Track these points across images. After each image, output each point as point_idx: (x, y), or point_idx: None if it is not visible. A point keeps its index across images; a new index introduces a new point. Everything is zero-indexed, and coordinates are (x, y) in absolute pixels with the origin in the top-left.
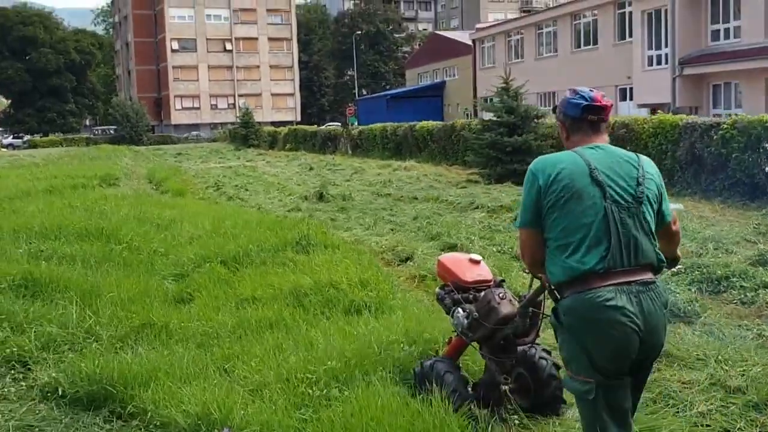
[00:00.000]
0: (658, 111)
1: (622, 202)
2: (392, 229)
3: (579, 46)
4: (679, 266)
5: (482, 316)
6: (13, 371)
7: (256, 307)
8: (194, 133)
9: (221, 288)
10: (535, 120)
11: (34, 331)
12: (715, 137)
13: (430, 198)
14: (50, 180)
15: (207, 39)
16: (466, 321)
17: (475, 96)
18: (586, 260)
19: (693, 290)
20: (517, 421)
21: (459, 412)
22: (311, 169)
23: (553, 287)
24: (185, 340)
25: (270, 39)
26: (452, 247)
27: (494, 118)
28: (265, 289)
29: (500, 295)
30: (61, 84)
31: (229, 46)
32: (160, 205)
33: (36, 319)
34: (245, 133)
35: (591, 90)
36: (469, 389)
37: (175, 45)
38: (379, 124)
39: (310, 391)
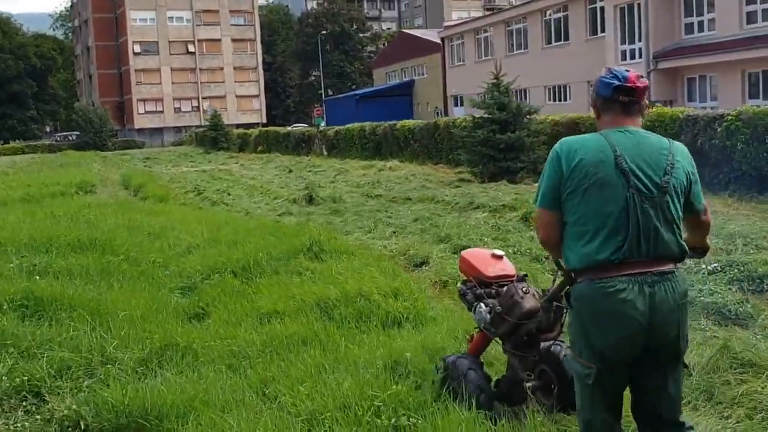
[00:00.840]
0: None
1: (646, 191)
2: (395, 232)
3: (550, 42)
4: (714, 264)
5: (505, 310)
6: (25, 402)
7: (281, 321)
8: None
9: (237, 301)
10: (528, 116)
11: (45, 357)
12: (719, 129)
13: (425, 198)
14: (24, 188)
15: (169, 41)
16: (488, 316)
17: (445, 94)
18: (602, 250)
19: (734, 289)
20: (539, 420)
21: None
22: (290, 171)
23: (569, 271)
24: (213, 361)
25: (233, 40)
26: (465, 249)
27: (486, 115)
28: (286, 301)
29: (523, 289)
30: (21, 90)
31: (192, 48)
32: (146, 212)
33: (44, 343)
34: (214, 136)
35: (626, 70)
36: (492, 386)
37: (137, 48)
38: (356, 124)
39: (378, 422)
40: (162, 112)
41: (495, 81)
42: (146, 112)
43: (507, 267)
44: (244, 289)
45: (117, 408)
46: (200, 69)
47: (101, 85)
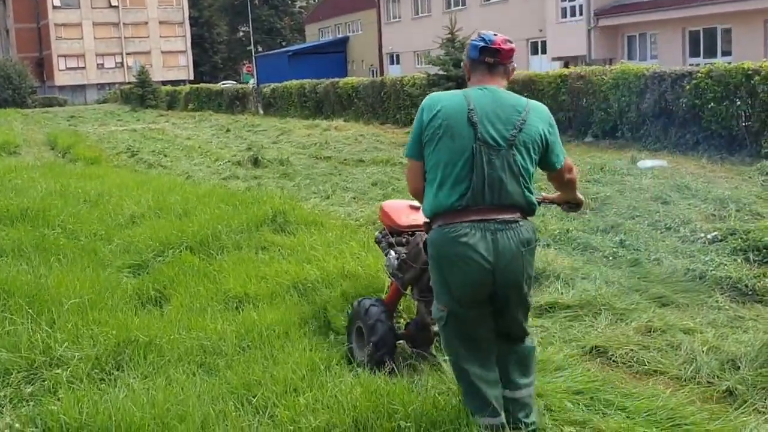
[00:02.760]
0: (571, 65)
1: (493, 143)
2: (354, 198)
3: None
4: (714, 233)
5: (410, 257)
6: None
7: (255, 308)
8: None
9: (199, 283)
10: None
11: None
12: (687, 87)
13: (380, 161)
14: None
15: None
16: (396, 262)
17: (380, 52)
18: (449, 197)
19: (739, 260)
20: (445, 360)
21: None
22: (228, 130)
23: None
24: (180, 360)
25: None
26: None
27: (441, 72)
28: (257, 283)
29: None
30: None
31: (114, 2)
32: (78, 176)
33: None
34: (142, 94)
35: (495, 34)
36: (400, 329)
37: (57, 1)
38: (295, 81)
39: None
40: (84, 68)
41: (450, 36)
42: (67, 69)
43: (420, 217)
44: (205, 268)
45: (71, 427)
46: (124, 24)
47: (19, 39)
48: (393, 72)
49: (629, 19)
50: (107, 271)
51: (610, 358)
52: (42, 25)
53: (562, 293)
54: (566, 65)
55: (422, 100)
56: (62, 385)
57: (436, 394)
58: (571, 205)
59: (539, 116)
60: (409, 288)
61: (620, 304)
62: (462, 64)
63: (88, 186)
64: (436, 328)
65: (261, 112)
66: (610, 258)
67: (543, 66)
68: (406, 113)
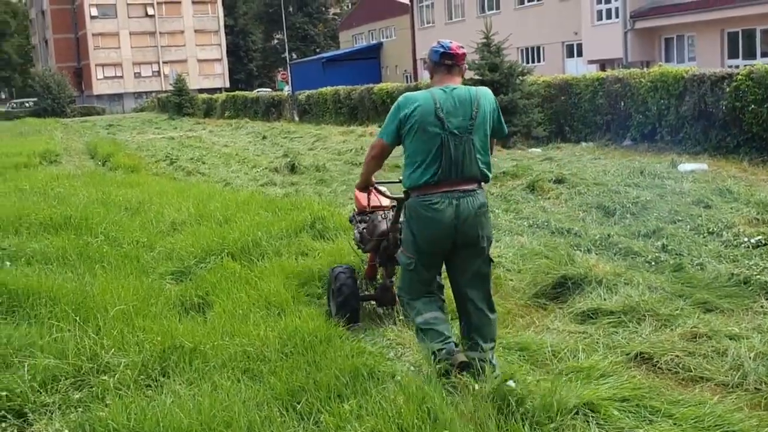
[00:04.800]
0: (607, 68)
1: (457, 132)
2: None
3: (523, 3)
4: (758, 237)
5: (368, 231)
6: (4, 424)
7: (298, 314)
8: None
9: (241, 289)
10: (520, 77)
11: (26, 365)
12: (727, 90)
13: None
14: None
15: (128, 3)
16: (359, 236)
17: (414, 57)
18: (424, 175)
19: None
20: (402, 317)
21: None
22: (264, 137)
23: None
24: (225, 365)
25: (194, 2)
26: None
27: (476, 77)
28: (297, 288)
29: (382, 215)
30: None
31: (151, 11)
32: (119, 184)
33: (23, 348)
34: (179, 102)
35: (450, 42)
36: (366, 292)
37: (94, 11)
38: (329, 88)
39: None
40: (121, 77)
41: (485, 40)
42: (105, 78)
43: (383, 201)
44: (247, 275)
45: None
46: (160, 32)
47: (57, 50)
48: (427, 77)
49: (666, 21)
50: (150, 278)
51: (656, 365)
52: (80, 35)
53: (604, 299)
54: (602, 68)
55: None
56: (109, 392)
57: (479, 399)
58: None
59: (487, 100)
60: None
61: (664, 309)
62: (425, 66)
63: (129, 194)
64: (395, 289)
65: (296, 119)
66: (653, 263)
67: (579, 69)
68: None
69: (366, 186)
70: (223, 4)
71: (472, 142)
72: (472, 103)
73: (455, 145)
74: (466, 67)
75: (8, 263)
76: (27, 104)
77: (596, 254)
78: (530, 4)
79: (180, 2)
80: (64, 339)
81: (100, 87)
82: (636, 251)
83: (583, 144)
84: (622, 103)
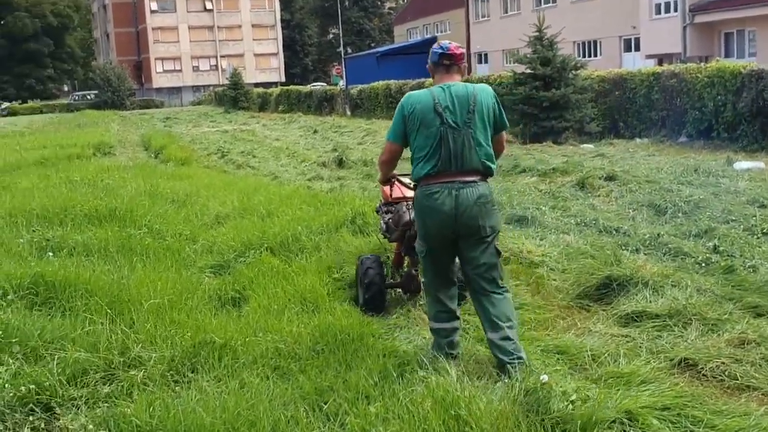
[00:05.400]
0: (665, 62)
1: (454, 125)
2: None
3: None
4: None
5: (394, 222)
6: (31, 417)
7: (332, 311)
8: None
9: (278, 284)
10: (573, 71)
11: (56, 358)
12: None
13: None
14: (40, 150)
15: None
16: (385, 226)
17: (468, 51)
18: (426, 167)
19: None
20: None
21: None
22: (315, 131)
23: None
24: (255, 362)
25: None
26: (522, 220)
27: (528, 71)
28: (334, 284)
29: (407, 206)
30: (38, 49)
31: (209, 5)
32: (169, 176)
33: (55, 340)
34: (234, 95)
35: (449, 42)
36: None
37: (154, 5)
38: (381, 82)
39: None
40: (180, 71)
41: (537, 34)
42: (164, 71)
43: (406, 192)
44: (285, 270)
45: (142, 430)
46: (218, 27)
47: (118, 43)
48: (481, 71)
49: (726, 15)
50: (189, 272)
51: (700, 372)
52: (140, 29)
53: (650, 301)
54: (660, 63)
55: (506, 99)
56: (137, 387)
57: (507, 403)
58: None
59: (485, 94)
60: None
61: (712, 313)
62: (426, 67)
63: (177, 186)
64: (420, 278)
65: (348, 113)
66: (703, 264)
67: (636, 64)
68: None
69: (387, 180)
70: None
71: (471, 135)
72: (469, 98)
73: (454, 138)
74: (466, 66)
75: (51, 254)
76: (88, 96)
77: (644, 254)
78: None
79: None
80: (97, 332)
81: (159, 80)
82: (686, 252)
83: (638, 140)
84: (678, 99)
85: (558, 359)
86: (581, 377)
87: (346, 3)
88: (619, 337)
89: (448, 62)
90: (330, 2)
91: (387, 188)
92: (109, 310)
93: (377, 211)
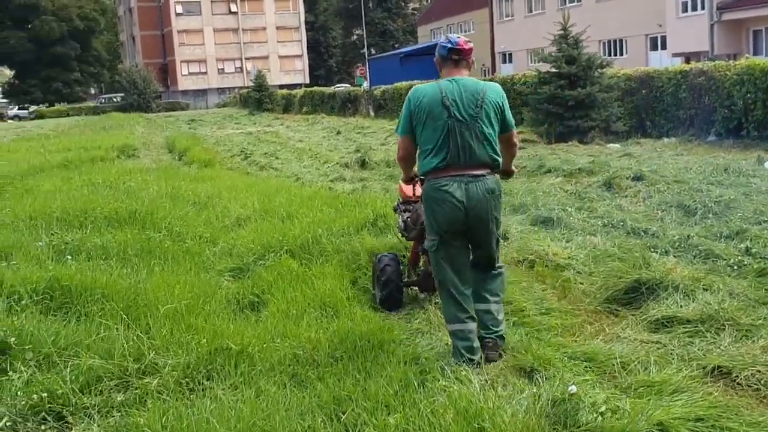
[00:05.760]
0: (693, 61)
1: (462, 119)
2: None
3: None
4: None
5: (412, 220)
6: (43, 426)
7: (352, 316)
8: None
9: (297, 287)
10: (599, 70)
11: (70, 365)
12: None
13: None
14: (64, 153)
15: (211, 1)
16: (403, 224)
17: (493, 51)
18: (434, 160)
19: None
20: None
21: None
22: (338, 132)
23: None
24: (272, 369)
25: None
26: (548, 222)
27: (552, 69)
28: (353, 287)
29: None
30: (65, 52)
31: (234, 8)
32: (191, 178)
33: (69, 347)
34: (259, 97)
35: (458, 37)
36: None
37: (180, 8)
38: (404, 83)
39: None
40: (205, 73)
41: (562, 32)
42: (190, 74)
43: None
44: (304, 273)
45: None
46: (243, 29)
47: (144, 46)
48: (505, 71)
49: (755, 12)
50: (208, 275)
51: (735, 380)
52: (166, 32)
53: (681, 306)
54: (687, 61)
55: (530, 98)
56: (151, 394)
57: (533, 415)
58: (505, 172)
59: (494, 92)
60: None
61: (746, 319)
62: (434, 60)
63: (199, 188)
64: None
65: (372, 114)
66: (735, 267)
67: (663, 62)
68: (517, 112)
69: (411, 179)
70: (304, 1)
71: (479, 128)
72: (478, 92)
73: (461, 132)
74: (474, 60)
75: (69, 257)
76: (115, 99)
77: (674, 257)
78: None
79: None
80: (112, 338)
81: (184, 83)
82: (717, 254)
83: (665, 139)
84: (707, 97)
85: (586, 367)
86: (610, 386)
87: (370, 4)
88: (650, 344)
89: (457, 57)
90: (354, 4)
91: (409, 187)
92: (124, 316)
93: (395, 210)
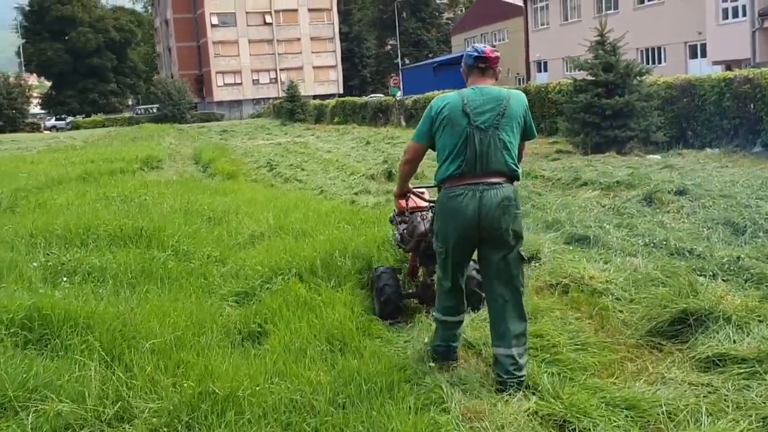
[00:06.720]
0: (734, 68)
1: (483, 127)
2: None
3: (642, 2)
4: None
5: (408, 232)
6: None
7: (359, 355)
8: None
9: (303, 317)
10: (638, 77)
11: (34, 411)
12: None
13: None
14: (86, 165)
15: (246, 12)
16: (399, 236)
17: (528, 59)
18: (451, 167)
19: None
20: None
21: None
22: (367, 143)
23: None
24: (265, 417)
25: (310, 10)
26: (584, 240)
27: (589, 77)
28: (366, 317)
29: (422, 216)
30: (101, 63)
31: (269, 19)
32: (211, 191)
33: (39, 388)
34: (291, 108)
35: (485, 46)
36: (407, 291)
37: (215, 20)
38: (437, 92)
39: None
40: (240, 84)
41: (599, 38)
42: (225, 85)
43: (420, 202)
44: (312, 300)
45: None
46: (277, 40)
47: (180, 57)
48: (540, 79)
49: None
50: (210, 300)
51: None
52: (201, 43)
53: (734, 341)
54: (728, 69)
55: (565, 107)
56: None
57: None
58: None
59: (518, 101)
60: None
61: None
62: (461, 70)
63: (216, 202)
64: (434, 287)
65: (403, 123)
66: None
67: (703, 70)
68: (551, 122)
69: (403, 194)
70: (338, 12)
71: (498, 137)
72: (501, 100)
73: (480, 139)
74: (500, 70)
75: (65, 279)
76: (151, 110)
77: (723, 280)
78: (650, 3)
79: (297, 10)
80: (88, 377)
81: (220, 94)
82: None
83: (708, 150)
84: (752, 106)
85: (627, 417)
86: None
87: (404, 14)
88: (699, 387)
89: (484, 65)
90: (388, 14)
91: (402, 201)
92: (101, 352)
93: (391, 221)
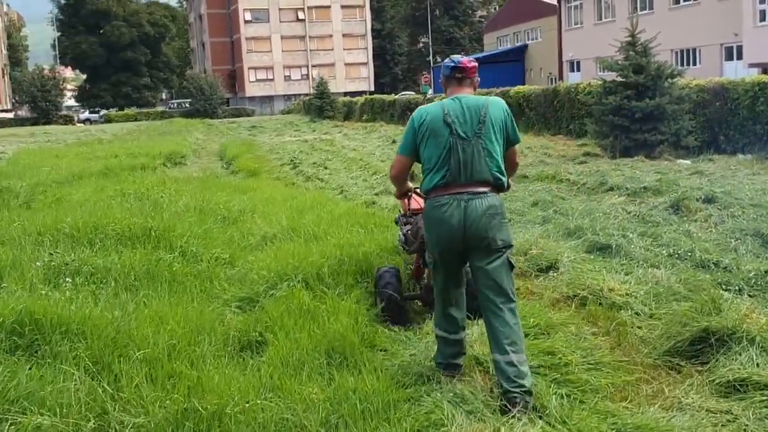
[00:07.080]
0: None
1: (464, 136)
2: (510, 221)
3: (678, 2)
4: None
5: (412, 233)
6: None
7: (360, 367)
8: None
9: (304, 326)
10: (669, 80)
11: (12, 424)
12: None
13: (545, 176)
14: (109, 159)
15: (279, 9)
16: (403, 237)
17: (560, 59)
18: (435, 177)
19: None
20: None
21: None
22: (393, 141)
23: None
24: None
25: (343, 7)
26: (605, 249)
27: (619, 79)
28: (370, 327)
29: None
30: (135, 57)
31: (301, 15)
32: (230, 189)
33: (20, 399)
34: (320, 104)
35: (461, 56)
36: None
37: (248, 16)
38: None
39: None
40: (272, 80)
41: (630, 39)
42: (257, 80)
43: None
44: (316, 308)
45: None
46: (310, 36)
47: (213, 53)
48: (573, 79)
49: None
50: (212, 306)
51: None
52: (234, 39)
53: (757, 364)
54: (764, 72)
55: (594, 109)
56: None
57: None
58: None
59: (497, 107)
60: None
61: None
62: (440, 81)
63: (233, 201)
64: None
65: None
66: None
67: (738, 73)
68: (580, 123)
69: (404, 193)
70: (370, 9)
71: (481, 145)
72: (480, 109)
73: (463, 149)
74: (479, 79)
75: (69, 280)
76: (184, 105)
77: (749, 296)
78: (686, 3)
79: (329, 7)
80: (73, 388)
81: (252, 89)
82: None
83: (740, 156)
84: None
85: None
86: None
87: (437, 12)
88: (718, 414)
89: (460, 75)
90: (420, 11)
91: (405, 201)
92: (87, 361)
93: (396, 222)
